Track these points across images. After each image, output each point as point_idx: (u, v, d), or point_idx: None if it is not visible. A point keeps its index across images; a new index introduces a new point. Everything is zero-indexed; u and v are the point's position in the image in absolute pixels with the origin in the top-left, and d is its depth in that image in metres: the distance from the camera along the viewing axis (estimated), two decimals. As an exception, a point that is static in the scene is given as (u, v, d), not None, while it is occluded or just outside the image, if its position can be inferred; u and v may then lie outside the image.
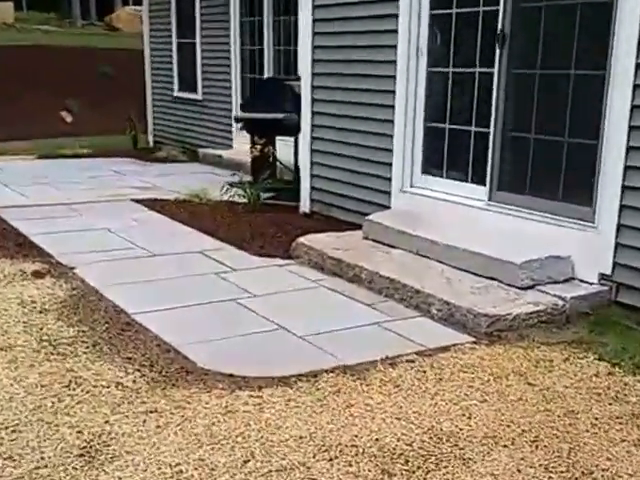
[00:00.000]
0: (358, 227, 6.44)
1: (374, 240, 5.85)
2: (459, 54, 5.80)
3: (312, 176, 7.34)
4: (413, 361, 3.98)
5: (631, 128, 4.46)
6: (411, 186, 6.21)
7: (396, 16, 6.11)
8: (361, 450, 3.12)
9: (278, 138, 8.95)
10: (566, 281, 4.79)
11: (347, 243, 5.84)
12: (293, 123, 8.40)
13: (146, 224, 7.20)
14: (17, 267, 5.68)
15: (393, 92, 6.21)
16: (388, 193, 6.35)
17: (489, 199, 5.48)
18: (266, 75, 11.12)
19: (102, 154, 12.54)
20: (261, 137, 8.72)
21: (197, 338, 4.37)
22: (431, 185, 6.05)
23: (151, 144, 14.16)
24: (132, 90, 19.86)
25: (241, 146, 11.59)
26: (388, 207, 6.33)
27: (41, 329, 4.50)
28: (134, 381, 3.80)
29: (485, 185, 5.53)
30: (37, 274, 5.50)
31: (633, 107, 4.44)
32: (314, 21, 7.15)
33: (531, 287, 4.68)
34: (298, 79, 8.86)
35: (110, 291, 5.17)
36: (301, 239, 5.95)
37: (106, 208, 7.92)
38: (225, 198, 8.32)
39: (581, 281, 4.78)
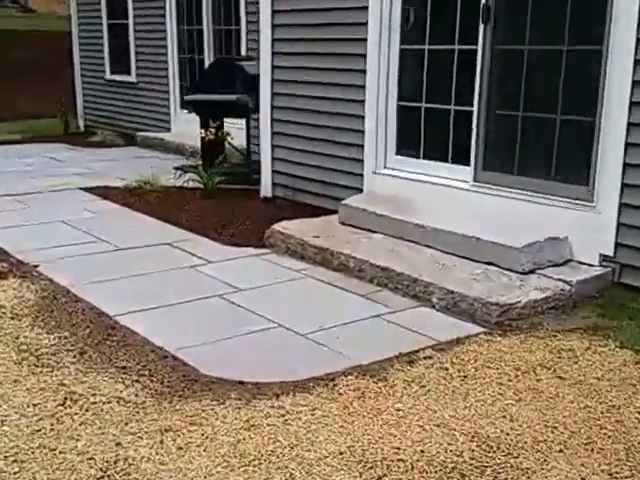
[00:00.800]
0: (329, 211, 6.07)
1: (352, 225, 5.49)
2: (436, 31, 5.47)
3: (274, 159, 6.91)
4: (431, 357, 3.65)
5: (632, 104, 4.21)
6: (384, 167, 5.86)
7: (366, -9, 5.74)
8: (409, 465, 2.77)
9: (226, 120, 8.49)
10: (565, 263, 4.55)
11: (325, 229, 5.46)
12: (246, 105, 7.95)
13: (103, 215, 6.63)
14: (-31, 267, 5.11)
15: (364, 71, 5.83)
16: (360, 175, 5.99)
17: (474, 179, 5.19)
18: (206, 56, 10.57)
19: (33, 140, 11.78)
20: (212, 120, 8.24)
21: (191, 341, 3.93)
22: (406, 166, 5.72)
23: (82, 128, 13.37)
24: (58, 73, 18.87)
25: (180, 129, 11.03)
26: (360, 190, 5.97)
27: (17, 338, 3.97)
28: (136, 394, 3.36)
29: (469, 165, 5.23)
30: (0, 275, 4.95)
31: (634, 82, 4.19)
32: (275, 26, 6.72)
33: (532, 271, 4.42)
34: (247, 59, 8.41)
35: (84, 291, 4.66)
36: (276, 227, 5.54)
37: (54, 198, 7.29)
38: (178, 184, 7.82)
39: (580, 263, 4.55)
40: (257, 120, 8.24)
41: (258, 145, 8.24)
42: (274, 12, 6.66)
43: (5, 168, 9.11)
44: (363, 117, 5.89)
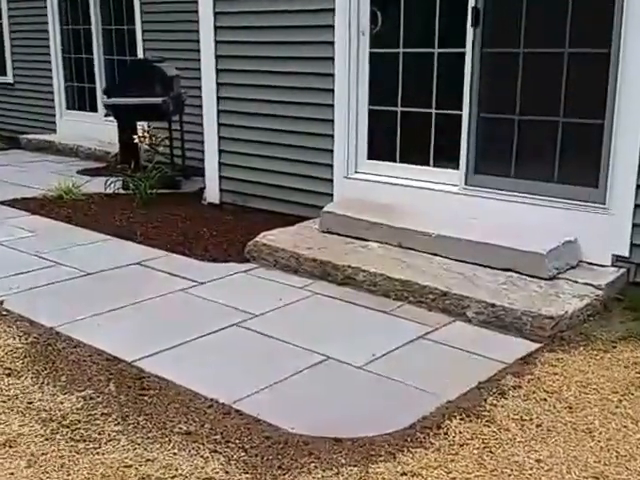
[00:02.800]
0: (293, 217, 5.36)
1: (338, 234, 4.79)
2: (411, 34, 4.85)
3: (221, 165, 6.03)
4: (520, 386, 3.09)
5: (649, 106, 3.85)
6: (356, 172, 5.20)
7: (333, -8, 5.02)
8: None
9: (139, 123, 7.46)
10: (577, 266, 4.14)
11: (311, 239, 4.73)
12: (169, 107, 6.98)
13: (43, 233, 5.46)
14: None
15: (332, 75, 5.12)
16: (329, 180, 5.29)
17: (465, 183, 4.66)
18: (95, 56, 9.31)
19: None
20: (130, 123, 7.17)
21: (243, 388, 3.11)
22: (381, 170, 5.08)
23: (-56, 131, 11.55)
24: None
25: (67, 130, 9.76)
26: (329, 195, 5.27)
27: (30, 403, 2.98)
28: (226, 471, 2.53)
29: (458, 169, 4.70)
30: (-39, 318, 3.81)
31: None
32: (216, 13, 5.81)
33: (555, 277, 3.97)
34: (159, 60, 7.39)
35: (76, 331, 3.67)
36: (260, 239, 4.73)
37: (-30, 215, 6.00)
38: (97, 190, 6.72)
39: (590, 264, 4.15)
40: (178, 122, 7.38)
41: (181, 148, 7.37)
42: (217, 14, 5.77)
43: None
44: (332, 121, 5.18)
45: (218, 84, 5.89)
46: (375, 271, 4.15)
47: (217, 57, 5.86)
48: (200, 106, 7.62)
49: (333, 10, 5.04)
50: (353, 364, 3.34)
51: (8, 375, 3.21)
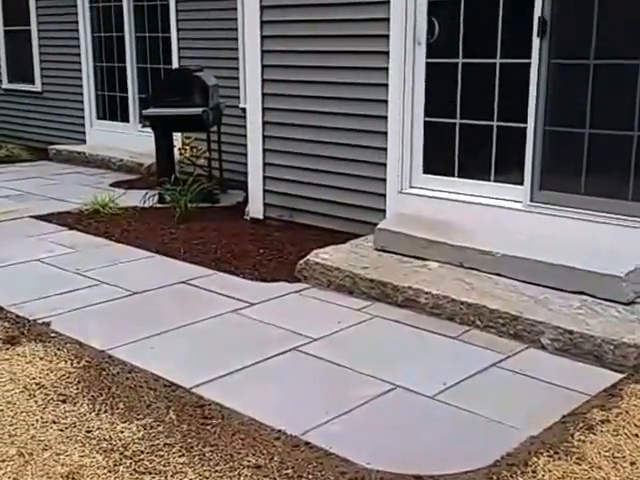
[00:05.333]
0: (344, 234, 5.31)
1: (394, 252, 4.74)
2: (471, 44, 4.80)
3: (265, 178, 6.02)
4: (608, 421, 2.99)
5: None
6: (411, 187, 5.15)
7: (387, 2, 5.00)
8: None
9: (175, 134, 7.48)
10: (653, 289, 4.06)
11: (366, 258, 4.68)
12: (210, 118, 6.99)
13: (82, 249, 5.48)
14: (-35, 330, 3.93)
15: (386, 85, 5.09)
16: (382, 195, 5.24)
17: (531, 200, 4.58)
18: (128, 64, 9.38)
19: None
20: (167, 135, 7.20)
21: (310, 418, 3.05)
22: (438, 185, 5.03)
23: (-29, 141, 11.69)
24: None
25: (97, 141, 9.83)
26: (381, 210, 5.23)
27: (89, 432, 2.95)
28: (306, 510, 2.50)
29: (522, 184, 4.63)
30: (10, 340, 3.79)
31: None
32: (263, 23, 5.82)
33: (634, 301, 3.88)
34: (199, 70, 7.41)
35: (131, 355, 3.65)
36: (312, 258, 4.69)
37: (5, 230, 6.01)
38: (133, 204, 6.74)
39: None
40: (216, 134, 7.39)
41: (218, 161, 7.37)
42: (263, 22, 5.77)
43: None
44: (385, 133, 5.14)
45: (264, 94, 5.88)
46: (438, 293, 4.08)
47: (263, 67, 5.86)
48: (235, 116, 7.70)
49: (388, 20, 5.02)
50: (424, 394, 3.27)
51: (63, 402, 3.20)
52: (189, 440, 2.90)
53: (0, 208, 6.66)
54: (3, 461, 2.72)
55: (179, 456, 2.79)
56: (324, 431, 2.98)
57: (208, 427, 3.00)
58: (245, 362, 3.59)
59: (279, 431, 2.96)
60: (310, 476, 2.67)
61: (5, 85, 11.27)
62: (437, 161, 5.09)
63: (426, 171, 5.12)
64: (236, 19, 7.65)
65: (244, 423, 3.03)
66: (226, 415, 3.10)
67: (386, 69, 5.09)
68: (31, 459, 2.75)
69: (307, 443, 2.88)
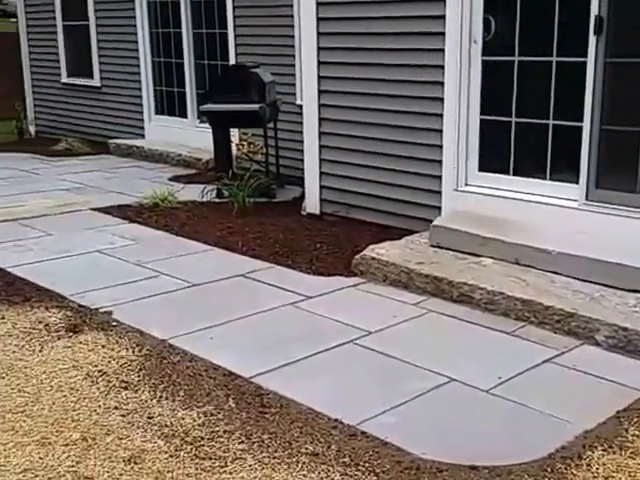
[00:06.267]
0: (400, 230, 5.37)
1: (449, 248, 4.78)
2: (527, 42, 4.80)
3: (322, 174, 6.12)
4: (665, 416, 3.03)
5: None
6: (466, 184, 5.17)
7: (443, 0, 5.03)
8: None
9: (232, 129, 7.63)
10: None
11: (421, 254, 4.73)
12: (267, 114, 7.11)
13: (142, 241, 5.66)
14: (29, 317, 4.11)
15: (442, 83, 5.13)
16: (437, 193, 5.28)
17: (586, 198, 4.58)
18: (186, 60, 9.56)
19: (-12, 148, 10.43)
20: (224, 130, 7.35)
21: (368, 409, 3.13)
22: (493, 183, 5.04)
23: (33, 134, 12.05)
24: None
25: (156, 135, 10.05)
26: (436, 207, 5.27)
27: (150, 417, 3.09)
28: (360, 496, 2.58)
29: (577, 183, 4.62)
30: (73, 328, 3.97)
31: None
32: (319, 19, 5.89)
33: (695, 300, 3.86)
34: (255, 66, 7.54)
35: (191, 344, 3.78)
36: (368, 252, 4.77)
37: (69, 222, 6.22)
38: (192, 198, 6.91)
39: None
40: (273, 130, 7.51)
41: (275, 156, 7.50)
42: (320, 19, 5.86)
43: (-26, 184, 7.90)
44: (441, 131, 5.18)
45: (320, 91, 5.97)
46: (493, 289, 4.11)
47: (319, 63, 5.95)
48: (292, 113, 7.81)
49: (444, 17, 5.05)
50: (479, 387, 3.32)
51: (125, 388, 3.34)
52: (248, 428, 3.01)
53: (62, 200, 6.93)
54: (67, 445, 2.87)
55: (238, 443, 2.91)
56: (380, 421, 3.06)
57: (267, 415, 3.11)
58: (302, 354, 3.69)
59: (336, 420, 3.06)
60: (367, 464, 2.75)
61: (64, 79, 11.54)
62: (493, 159, 5.10)
63: (482, 169, 5.13)
64: (292, 15, 7.75)
65: (302, 412, 3.13)
66: (284, 404, 3.20)
67: (442, 67, 5.12)
68: (94, 443, 2.89)
69: (363, 432, 2.97)
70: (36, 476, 2.65)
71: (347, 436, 2.94)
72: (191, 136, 9.38)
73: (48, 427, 2.98)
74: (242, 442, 2.91)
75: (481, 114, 5.07)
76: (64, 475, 2.66)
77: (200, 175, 8.29)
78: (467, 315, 4.15)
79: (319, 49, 5.96)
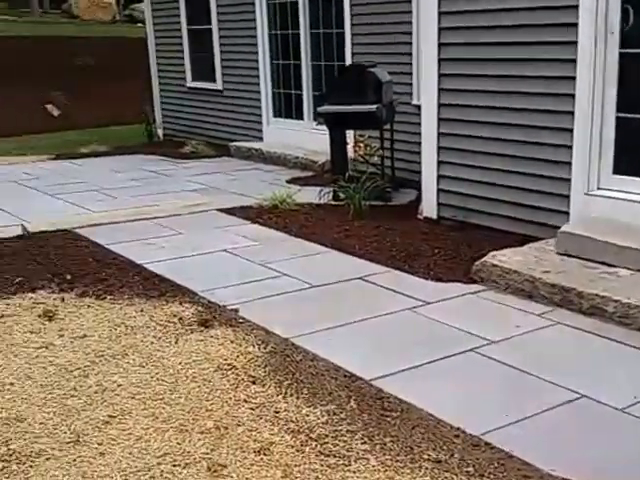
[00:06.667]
0: (522, 236, 5.27)
1: (578, 257, 4.66)
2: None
3: (440, 177, 6.10)
4: None
5: None
6: (599, 188, 5.00)
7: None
8: None
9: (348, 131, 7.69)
10: None
11: (547, 262, 4.63)
12: (384, 115, 7.13)
13: (264, 241, 5.82)
14: (164, 311, 4.31)
15: (573, 78, 4.97)
16: (565, 197, 5.14)
17: None
18: (303, 61, 9.71)
19: (120, 151, 10.98)
20: (340, 131, 7.43)
21: (491, 420, 3.11)
22: (631, 187, 4.81)
23: (161, 137, 12.57)
24: (120, 80, 18.10)
25: (274, 138, 10.26)
26: (563, 212, 5.13)
27: (277, 412, 3.19)
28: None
29: None
30: (204, 322, 4.14)
31: None
32: (441, 14, 5.85)
33: None
34: (372, 65, 7.57)
35: (313, 344, 3.87)
36: (489, 259, 4.72)
37: (196, 222, 6.48)
38: (308, 200, 7.02)
39: None
40: (389, 131, 7.53)
41: (390, 159, 7.51)
42: (441, 14, 5.82)
43: (113, 184, 8.35)
44: (571, 130, 5.03)
45: (440, 90, 5.94)
46: (629, 302, 3.97)
47: (440, 61, 5.92)
48: (408, 113, 7.79)
49: (576, 7, 4.89)
50: (612, 405, 3.22)
51: (253, 383, 3.46)
52: (370, 429, 3.05)
53: (190, 201, 7.22)
54: (202, 433, 3.01)
55: (361, 443, 2.95)
56: (504, 433, 3.02)
57: (388, 419, 3.14)
58: (422, 359, 3.69)
59: (458, 429, 3.05)
60: (492, 476, 2.73)
61: (189, 83, 11.98)
62: (630, 161, 4.90)
63: (617, 171, 4.94)
64: (410, 12, 7.70)
65: (423, 418, 3.14)
66: (405, 409, 3.22)
67: (574, 61, 4.97)
68: (226, 433, 3.02)
69: (487, 443, 2.95)
70: (174, 460, 2.81)
71: (470, 445, 2.93)
72: (307, 138, 9.54)
73: (185, 415, 3.13)
74: (364, 443, 2.95)
75: (617, 111, 4.88)
76: (199, 461, 2.80)
77: (316, 177, 8.43)
78: (598, 328, 4.02)
79: (440, 45, 5.93)
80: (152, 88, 12.83)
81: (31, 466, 2.78)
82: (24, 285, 4.71)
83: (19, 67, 18.27)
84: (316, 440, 2.97)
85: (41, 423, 3.09)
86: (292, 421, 3.12)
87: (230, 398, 3.30)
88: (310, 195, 7.22)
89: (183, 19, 11.83)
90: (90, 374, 3.53)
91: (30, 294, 4.57)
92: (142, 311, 4.33)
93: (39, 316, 4.23)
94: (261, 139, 10.51)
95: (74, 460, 2.82)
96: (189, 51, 11.94)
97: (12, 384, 3.44)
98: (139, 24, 25.82)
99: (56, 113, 17.23)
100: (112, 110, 15.80)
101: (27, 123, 14.96)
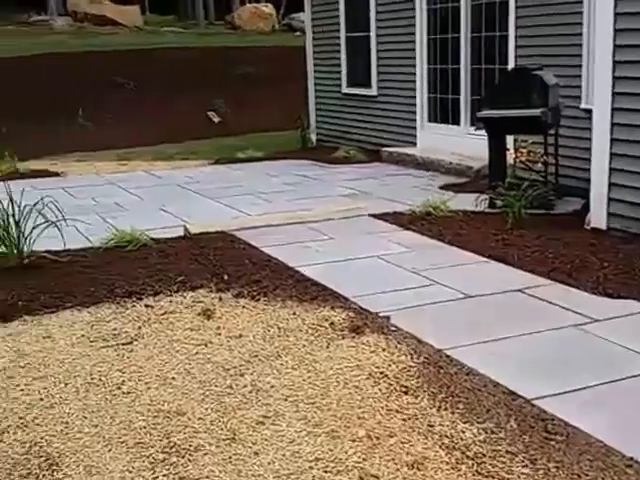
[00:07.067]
0: None
1: None
2: None
3: (610, 185, 5.74)
4: None
5: None
6: None
7: None
8: None
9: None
10: None
11: None
12: (549, 119, 6.82)
13: (416, 248, 5.72)
14: (316, 315, 4.32)
15: None
16: None
17: None
18: (462, 65, 9.51)
19: (275, 156, 11.26)
20: (498, 137, 7.19)
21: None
22: None
23: (314, 143, 12.76)
24: (276, 87, 18.64)
25: (428, 143, 10.11)
26: None
27: (431, 426, 3.08)
28: None
29: None
30: (355, 328, 4.11)
31: None
32: (617, 15, 5.52)
33: None
34: (539, 68, 7.26)
35: (466, 356, 3.73)
36: (666, 276, 4.39)
37: (348, 227, 6.48)
38: (465, 208, 6.83)
39: None
40: (554, 136, 7.20)
41: (555, 165, 7.18)
42: (617, 15, 5.49)
43: (268, 188, 8.55)
44: None
45: (614, 94, 5.60)
46: None
47: (614, 63, 5.59)
48: (574, 117, 7.40)
49: None
50: None
51: (405, 393, 3.38)
52: (532, 452, 2.88)
53: (342, 206, 7.24)
54: (354, 441, 2.97)
55: (522, 466, 2.79)
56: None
57: (552, 442, 2.95)
58: (589, 381, 3.45)
59: (630, 459, 2.81)
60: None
61: (344, 90, 12.12)
62: None
63: None
64: (581, 12, 7.35)
65: (590, 444, 2.93)
66: (570, 433, 3.02)
67: None
68: (378, 443, 2.96)
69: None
70: (326, 467, 2.79)
71: (648, 479, 2.70)
72: (462, 143, 9.35)
73: (336, 421, 3.11)
74: (526, 466, 2.79)
75: None
76: (352, 470, 2.77)
77: (471, 184, 8.24)
78: None
79: (615, 47, 5.59)
80: (308, 95, 13.09)
81: (190, 460, 2.86)
82: (185, 284, 4.89)
83: (186, 76, 19.29)
84: (473, 459, 2.84)
85: (199, 418, 3.18)
86: (447, 436, 3.00)
87: (382, 407, 3.24)
88: (465, 202, 7.05)
89: (342, 27, 11.97)
90: (245, 373, 3.59)
91: (190, 293, 4.74)
92: (295, 314, 4.37)
93: (198, 314, 4.38)
94: (414, 144, 10.43)
95: (230, 457, 2.86)
96: (346, 58, 12.10)
97: (173, 379, 3.57)
98: (297, 33, 26.50)
99: (216, 120, 17.98)
100: (268, 117, 16.29)
101: (190, 129, 15.74)
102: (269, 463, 2.82)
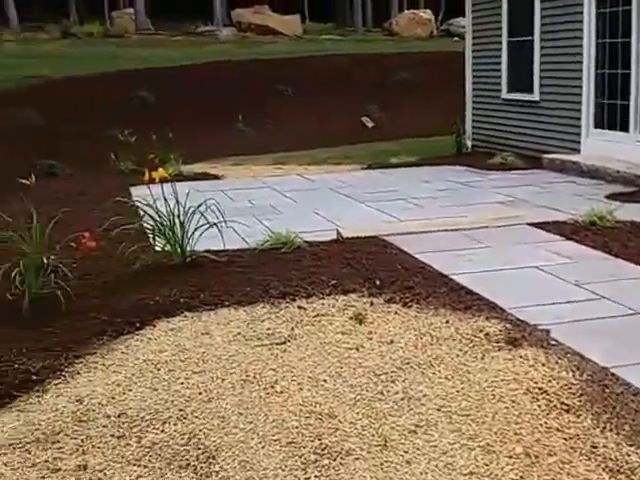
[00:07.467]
0: None
1: None
2: None
3: None
4: None
5: None
6: None
7: None
8: None
9: None
10: None
11: None
12: None
13: (579, 260, 5.43)
14: (470, 324, 4.21)
15: None
16: None
17: None
18: (633, 69, 8.99)
19: (429, 162, 11.14)
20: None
21: None
22: None
23: (469, 148, 12.54)
24: (431, 93, 18.53)
25: (593, 151, 9.63)
26: None
27: (594, 447, 2.93)
28: None
29: None
30: (512, 341, 3.97)
31: None
32: None
33: None
34: None
35: (633, 376, 3.49)
36: None
37: (505, 235, 6.27)
38: (635, 219, 6.43)
39: None
40: None
41: None
42: None
43: (421, 193, 8.48)
44: None
45: None
46: None
47: None
48: None
49: None
50: None
51: (566, 411, 3.22)
52: None
53: (497, 214, 7.04)
54: (510, 457, 2.87)
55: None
56: None
57: None
58: None
59: None
60: None
61: (504, 95, 11.83)
62: None
63: None
64: None
65: None
66: None
67: None
68: (537, 461, 2.84)
69: None
70: (481, 482, 2.72)
71: None
72: (630, 151, 8.88)
73: (492, 435, 3.03)
74: (703, 500, 2.59)
75: None
76: (510, 487, 2.68)
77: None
78: None
79: None
80: (464, 100, 12.90)
81: (341, 463, 2.88)
82: (337, 287, 4.93)
83: (343, 82, 19.62)
84: (638, 486, 2.67)
85: (350, 422, 3.19)
86: (611, 459, 2.84)
87: (541, 424, 3.11)
88: (634, 212, 6.68)
89: (504, 31, 11.71)
90: (396, 380, 3.57)
91: (342, 296, 4.78)
92: (447, 322, 4.29)
93: (350, 318, 4.40)
94: (577, 151, 10.03)
95: (381, 464, 2.85)
96: (507, 63, 11.81)
97: (325, 381, 3.61)
98: (455, 38, 26.22)
99: (370, 125, 18.12)
100: (422, 122, 16.23)
101: (345, 134, 15.99)
102: (421, 473, 2.78)
